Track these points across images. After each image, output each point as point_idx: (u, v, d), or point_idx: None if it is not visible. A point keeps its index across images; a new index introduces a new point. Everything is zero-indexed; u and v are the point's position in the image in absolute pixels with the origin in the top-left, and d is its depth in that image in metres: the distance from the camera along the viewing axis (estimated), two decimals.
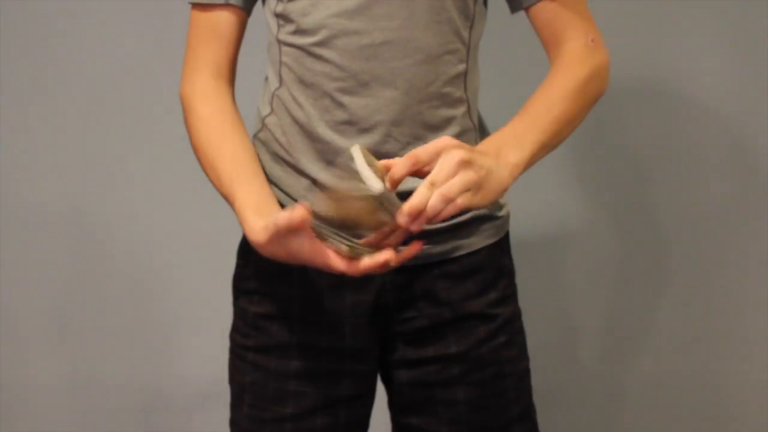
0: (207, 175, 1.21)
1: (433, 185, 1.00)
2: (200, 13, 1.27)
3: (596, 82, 1.25)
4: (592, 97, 1.24)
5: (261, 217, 1.10)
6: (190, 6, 1.28)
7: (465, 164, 1.01)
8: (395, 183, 1.02)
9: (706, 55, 1.89)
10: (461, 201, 1.01)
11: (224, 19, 1.26)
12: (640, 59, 1.90)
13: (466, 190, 1.01)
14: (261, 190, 1.16)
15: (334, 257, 1.04)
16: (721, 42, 1.88)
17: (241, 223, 1.14)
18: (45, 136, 2.02)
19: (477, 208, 1.07)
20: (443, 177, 1.00)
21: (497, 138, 1.13)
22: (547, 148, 1.17)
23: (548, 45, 1.27)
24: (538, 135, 1.15)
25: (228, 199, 1.17)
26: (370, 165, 1.02)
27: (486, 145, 1.12)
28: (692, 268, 1.96)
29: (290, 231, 1.04)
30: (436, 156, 1.02)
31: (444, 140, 1.03)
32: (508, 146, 1.11)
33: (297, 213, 1.01)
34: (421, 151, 1.02)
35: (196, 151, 1.23)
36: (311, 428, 1.24)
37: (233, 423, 1.31)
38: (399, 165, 1.02)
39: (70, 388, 2.10)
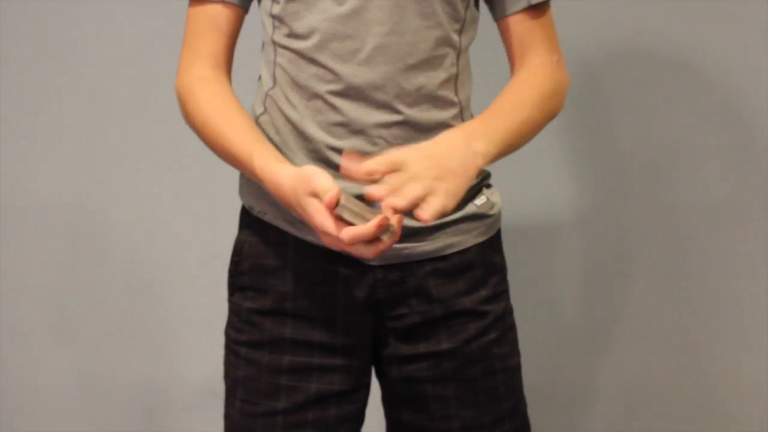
0: (214, 146, 1.24)
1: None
2: (197, 8, 1.29)
3: (557, 99, 1.30)
4: (552, 111, 1.29)
5: (284, 165, 1.15)
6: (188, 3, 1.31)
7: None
8: (370, 174, 1.06)
9: (703, 51, 1.88)
10: (430, 212, 1.06)
11: (221, 13, 1.28)
12: (634, 55, 1.90)
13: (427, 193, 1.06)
14: (274, 149, 1.21)
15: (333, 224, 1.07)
16: (719, 38, 1.88)
17: (261, 171, 1.16)
18: (45, 135, 2.03)
19: (450, 210, 1.10)
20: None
21: (469, 128, 1.18)
22: (510, 148, 1.22)
23: (514, 57, 1.32)
24: (505, 133, 1.20)
25: (242, 158, 1.19)
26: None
27: (456, 132, 1.17)
28: (690, 267, 1.95)
29: (311, 192, 1.09)
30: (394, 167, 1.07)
31: (405, 155, 1.08)
32: (478, 137, 1.16)
33: (333, 194, 1.06)
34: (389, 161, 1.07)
35: (201, 128, 1.25)
36: (302, 422, 1.26)
37: (226, 417, 1.33)
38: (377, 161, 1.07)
39: (70, 387, 2.11)
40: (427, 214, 1.05)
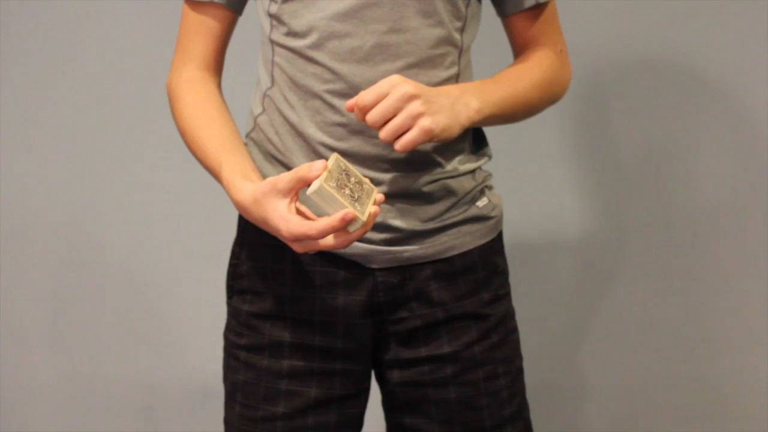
0: (194, 153, 1.25)
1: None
2: (190, 9, 1.29)
3: (557, 87, 1.31)
4: (550, 98, 1.31)
5: (248, 181, 1.13)
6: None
7: (411, 98, 1.10)
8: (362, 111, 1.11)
9: (704, 53, 1.88)
10: (408, 137, 1.10)
11: (212, 16, 1.28)
12: (635, 58, 1.90)
13: (410, 125, 1.10)
14: (246, 161, 1.20)
15: (298, 224, 1.07)
16: (720, 40, 1.88)
17: (227, 188, 1.16)
18: (41, 140, 2.03)
19: (435, 138, 1.12)
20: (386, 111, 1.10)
21: (463, 85, 1.19)
22: (502, 116, 1.23)
23: (519, 51, 1.33)
24: (500, 100, 1.21)
25: (214, 170, 1.20)
26: (346, 172, 1.09)
27: (450, 87, 1.18)
28: (690, 267, 1.95)
29: (278, 192, 1.08)
30: (380, 96, 1.10)
31: (389, 79, 1.11)
32: (472, 94, 1.18)
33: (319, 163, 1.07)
34: (364, 95, 1.10)
35: (183, 134, 1.26)
36: (302, 427, 1.25)
37: (226, 421, 1.32)
38: (347, 103, 1.12)
39: (69, 387, 2.11)
40: (399, 145, 1.10)
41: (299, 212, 1.10)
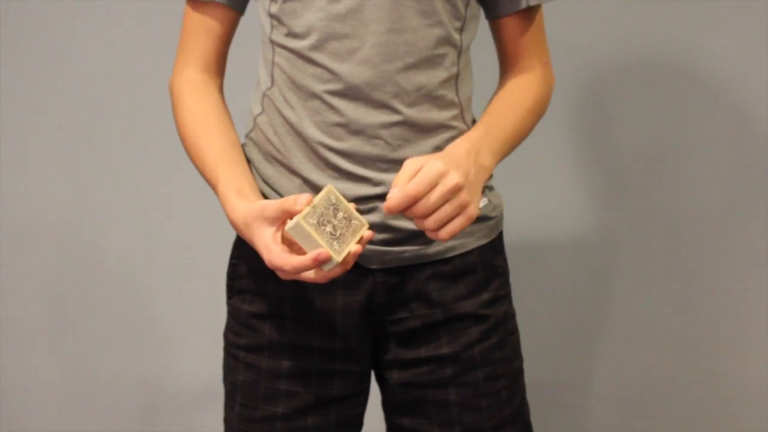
0: (192, 161, 1.25)
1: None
2: (192, 9, 1.29)
3: (547, 101, 1.32)
4: (541, 115, 1.31)
5: (243, 198, 1.13)
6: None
7: (460, 189, 1.08)
8: (392, 212, 1.07)
9: (703, 53, 1.88)
10: (456, 225, 1.08)
11: (214, 16, 1.28)
12: (635, 59, 1.90)
13: (458, 213, 1.08)
14: (244, 175, 1.20)
15: (278, 255, 1.06)
16: (719, 41, 1.88)
17: (223, 204, 1.16)
18: (41, 140, 2.03)
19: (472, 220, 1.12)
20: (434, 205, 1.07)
21: (472, 139, 1.17)
22: (505, 156, 1.24)
23: (506, 57, 1.33)
24: (505, 143, 1.22)
25: (211, 183, 1.21)
26: (335, 206, 1.07)
27: (463, 144, 1.16)
28: (690, 267, 1.95)
29: (265, 219, 1.08)
30: (431, 186, 1.06)
31: (435, 168, 1.07)
32: (483, 149, 1.17)
33: (303, 198, 1.06)
34: (416, 186, 1.05)
35: (183, 140, 1.26)
36: (302, 428, 1.25)
37: (226, 421, 1.32)
38: (394, 200, 1.06)
39: (70, 387, 2.11)
40: (446, 233, 1.09)
41: (287, 241, 1.09)
